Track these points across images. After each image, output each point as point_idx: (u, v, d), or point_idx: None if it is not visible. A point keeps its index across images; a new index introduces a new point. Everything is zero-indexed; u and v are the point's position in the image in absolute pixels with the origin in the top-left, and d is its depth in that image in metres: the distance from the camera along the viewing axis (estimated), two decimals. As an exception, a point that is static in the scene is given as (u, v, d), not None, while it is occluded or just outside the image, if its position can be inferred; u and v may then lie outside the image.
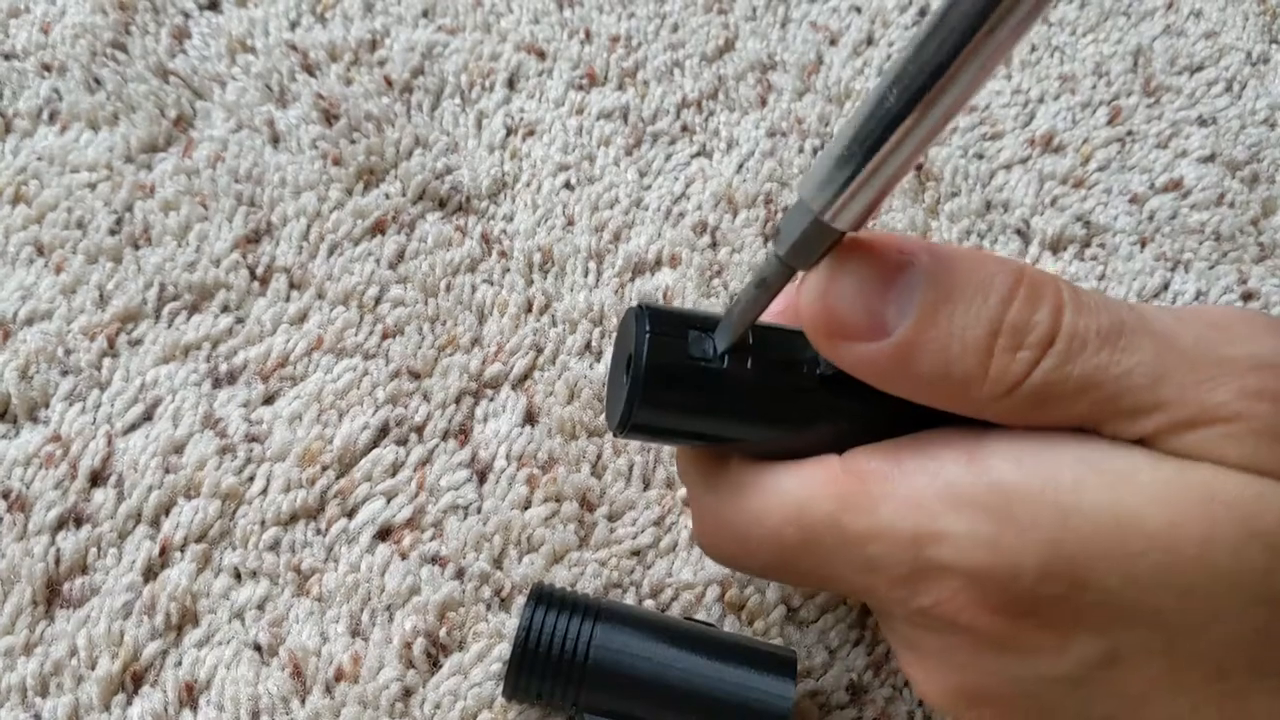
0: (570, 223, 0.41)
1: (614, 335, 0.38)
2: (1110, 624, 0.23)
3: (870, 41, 0.47)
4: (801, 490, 0.25)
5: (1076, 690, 0.24)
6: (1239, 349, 0.23)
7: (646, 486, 0.36)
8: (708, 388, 0.26)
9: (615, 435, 0.28)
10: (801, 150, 0.43)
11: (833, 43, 0.47)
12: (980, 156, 0.45)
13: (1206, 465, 0.22)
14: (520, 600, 0.33)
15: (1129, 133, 0.46)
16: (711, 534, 0.28)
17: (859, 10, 0.48)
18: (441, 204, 0.41)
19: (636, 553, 0.35)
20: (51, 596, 0.32)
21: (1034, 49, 0.48)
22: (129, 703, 0.31)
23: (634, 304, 0.27)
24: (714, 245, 0.41)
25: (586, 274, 0.40)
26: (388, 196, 0.41)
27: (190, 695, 0.31)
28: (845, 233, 0.23)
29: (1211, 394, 0.22)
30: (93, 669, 0.31)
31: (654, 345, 0.26)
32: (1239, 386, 0.22)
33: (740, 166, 0.43)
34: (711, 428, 0.26)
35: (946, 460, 0.24)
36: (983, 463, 0.24)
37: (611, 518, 0.35)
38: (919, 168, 0.43)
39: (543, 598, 0.30)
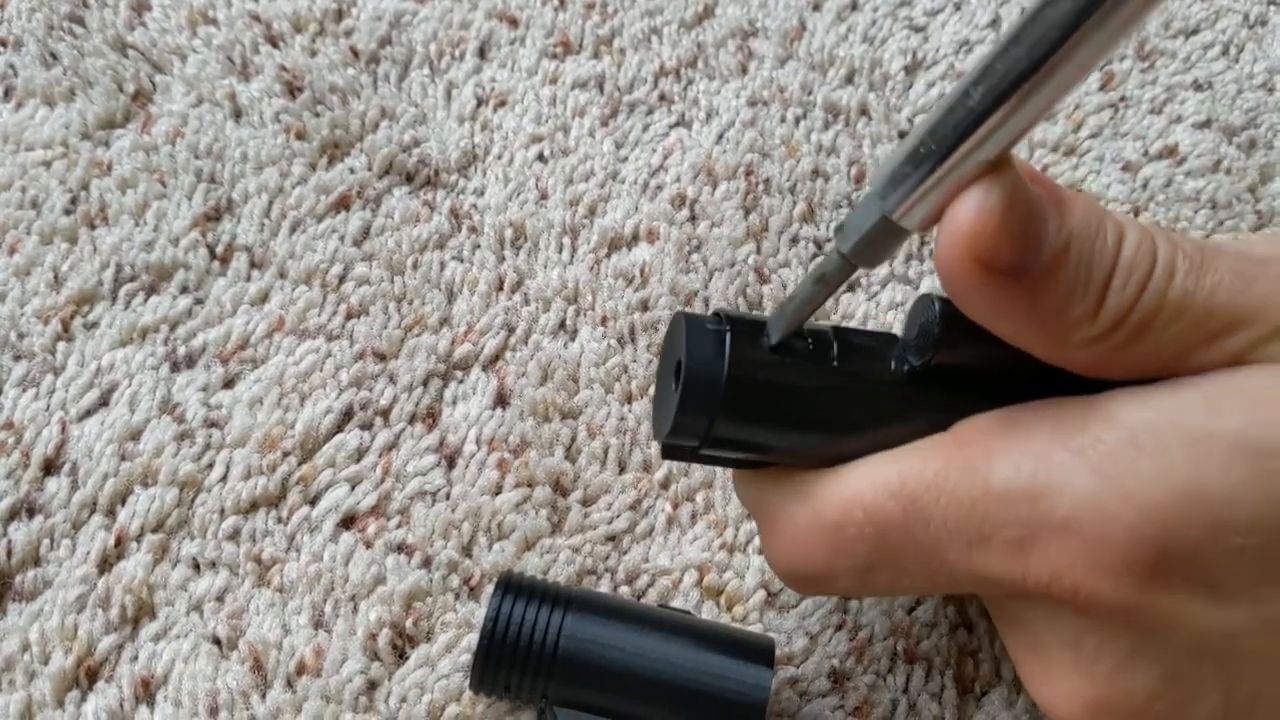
0: (543, 196, 0.40)
1: (590, 314, 0.37)
2: (1259, 577, 0.21)
3: (855, 6, 0.46)
4: (902, 460, 0.24)
5: (1222, 668, 0.23)
6: None
7: (622, 470, 0.35)
8: (796, 388, 0.24)
9: (689, 455, 0.26)
10: (783, 120, 0.42)
11: (816, 8, 0.46)
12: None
13: None
14: (490, 589, 0.32)
15: (1122, 98, 0.44)
16: (793, 543, 0.25)
17: (843, -26, 0.47)
18: (409, 178, 0.40)
19: (612, 538, 0.33)
20: (2, 589, 0.31)
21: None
22: (83, 699, 0.30)
23: (680, 310, 0.26)
24: (693, 219, 0.39)
25: (560, 250, 0.38)
26: (353, 171, 0.39)
27: (147, 690, 0.30)
28: (913, 233, 0.22)
29: None
30: (45, 664, 0.30)
31: (736, 346, 0.24)
32: None
33: (720, 137, 0.41)
34: (798, 435, 0.25)
35: (1065, 410, 0.23)
36: (1103, 407, 0.23)
37: (585, 503, 0.34)
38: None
39: (510, 586, 0.29)
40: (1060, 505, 0.22)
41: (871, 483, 0.24)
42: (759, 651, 0.29)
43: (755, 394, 0.24)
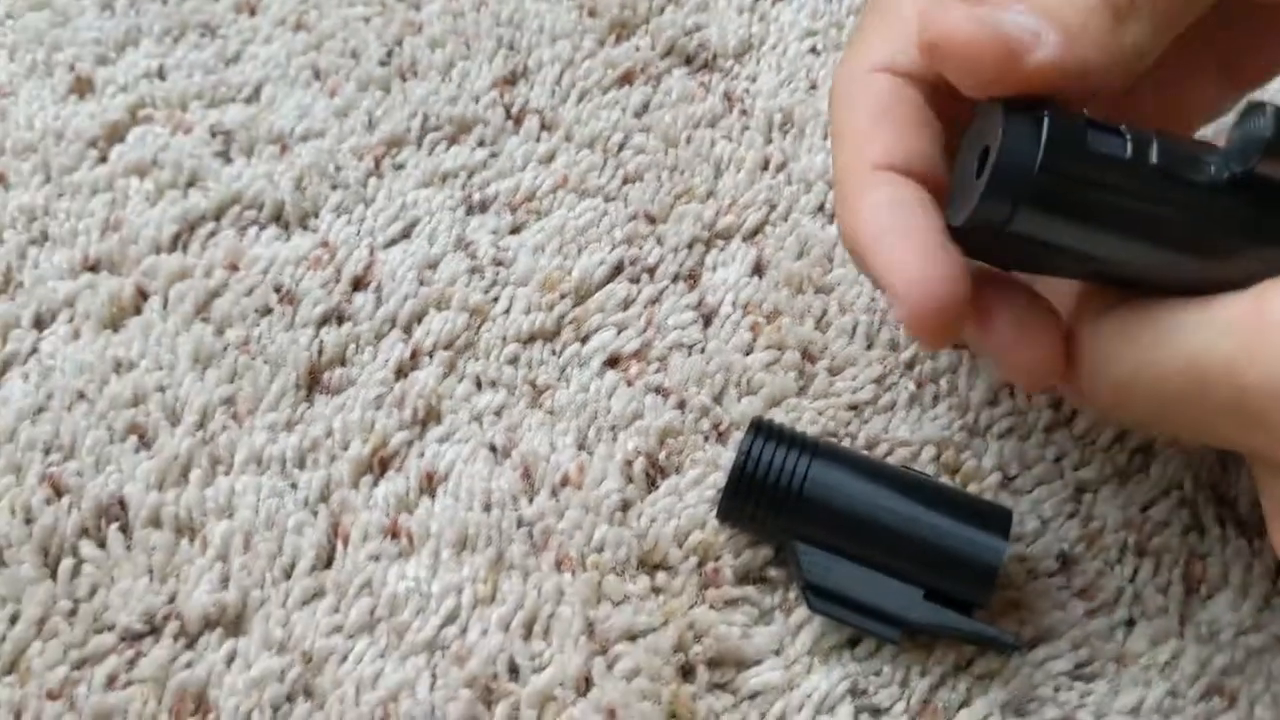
0: (813, 86, 0.41)
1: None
2: None
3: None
4: (1198, 333, 0.23)
5: None
6: None
7: (870, 346, 0.36)
8: (1110, 183, 0.23)
9: (978, 245, 0.26)
10: (1059, 31, 0.42)
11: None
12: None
13: None
14: (737, 436, 0.34)
15: None
16: (1092, 377, 0.26)
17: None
18: (688, 60, 0.42)
19: (854, 407, 0.35)
20: (313, 383, 0.35)
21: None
22: (375, 484, 0.34)
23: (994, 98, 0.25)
24: (957, 121, 0.40)
25: (826, 137, 0.40)
26: (637, 49, 0.42)
27: (430, 483, 0.34)
28: None
29: None
30: (345, 450, 0.34)
31: (1053, 131, 0.23)
32: None
33: (992, 44, 0.42)
34: (1103, 235, 0.24)
35: None
36: None
37: (832, 371, 0.36)
38: None
39: (762, 428, 0.31)
40: None
41: (1162, 355, 0.24)
42: (996, 519, 0.30)
43: (1066, 184, 0.24)
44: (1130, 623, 0.32)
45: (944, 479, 0.34)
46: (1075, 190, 0.24)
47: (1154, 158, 0.24)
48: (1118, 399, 0.25)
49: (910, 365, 0.36)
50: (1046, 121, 0.24)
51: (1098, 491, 0.34)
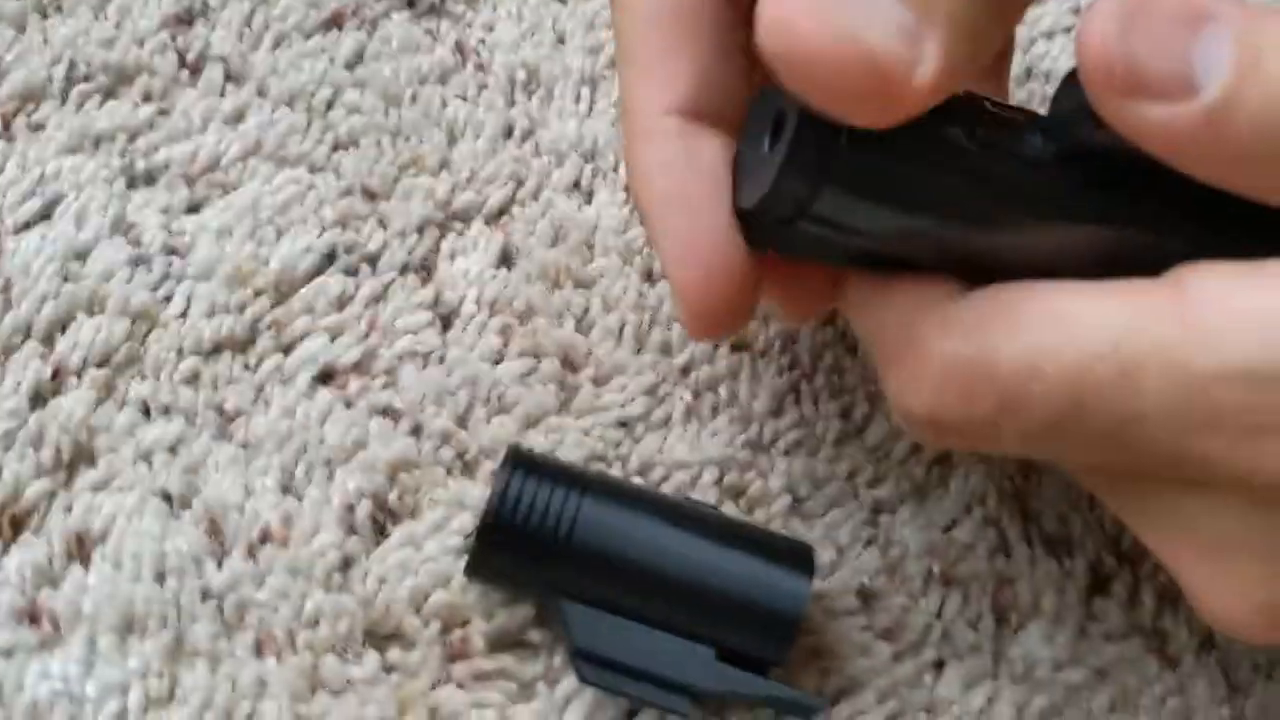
0: (560, 40, 0.35)
1: (610, 176, 0.33)
2: None
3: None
4: (1120, 313, 0.19)
5: None
6: None
7: (640, 350, 0.31)
8: (925, 157, 0.20)
9: (770, 233, 0.22)
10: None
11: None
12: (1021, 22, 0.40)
13: None
14: (488, 467, 0.28)
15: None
16: (950, 390, 0.21)
17: None
18: (410, 3, 0.35)
19: (624, 424, 0.30)
20: (-87, 418, 0.26)
21: (1087, -92, 0.43)
22: (6, 551, 0.26)
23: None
24: (725, 85, 0.36)
25: (578, 100, 0.34)
26: (349, -14, 0.34)
27: (81, 547, 0.26)
28: None
29: None
30: (-40, 508, 0.25)
31: None
32: None
33: (760, -1, 0.37)
34: (918, 217, 0.21)
35: None
36: None
37: (597, 381, 0.30)
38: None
39: (520, 461, 0.26)
40: None
41: (1073, 338, 0.20)
42: (797, 557, 0.26)
43: (877, 161, 0.20)
44: (940, 664, 0.28)
45: (727, 506, 0.29)
46: (887, 168, 0.20)
47: (975, 129, 0.21)
48: (992, 412, 0.20)
49: (685, 371, 0.31)
50: None
51: (896, 512, 0.30)
